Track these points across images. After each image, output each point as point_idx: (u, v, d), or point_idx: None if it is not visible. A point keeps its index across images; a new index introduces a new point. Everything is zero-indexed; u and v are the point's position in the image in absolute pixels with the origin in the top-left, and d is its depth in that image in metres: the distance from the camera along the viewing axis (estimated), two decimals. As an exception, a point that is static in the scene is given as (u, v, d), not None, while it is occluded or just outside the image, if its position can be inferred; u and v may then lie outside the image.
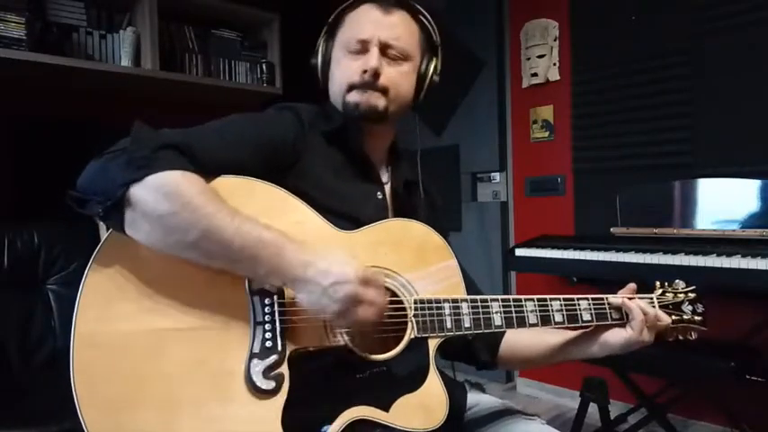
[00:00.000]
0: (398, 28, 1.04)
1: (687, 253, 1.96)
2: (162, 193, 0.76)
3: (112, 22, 2.54)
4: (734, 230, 2.07)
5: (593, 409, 2.06)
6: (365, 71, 1.00)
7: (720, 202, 2.16)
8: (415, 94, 1.09)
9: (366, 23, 1.04)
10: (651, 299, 1.07)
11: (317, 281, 0.80)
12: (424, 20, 1.09)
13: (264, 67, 2.98)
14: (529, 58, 3.00)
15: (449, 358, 1.13)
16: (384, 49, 1.02)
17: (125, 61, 2.50)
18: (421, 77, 1.08)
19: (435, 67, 1.10)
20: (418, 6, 1.09)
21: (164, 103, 2.75)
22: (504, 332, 1.12)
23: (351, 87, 1.02)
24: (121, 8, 2.57)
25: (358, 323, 0.84)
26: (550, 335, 1.10)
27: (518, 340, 1.13)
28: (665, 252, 2.01)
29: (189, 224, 0.77)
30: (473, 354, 1.12)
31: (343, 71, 1.04)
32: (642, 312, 1.01)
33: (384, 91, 1.02)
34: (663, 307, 1.06)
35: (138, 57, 2.54)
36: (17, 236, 1.77)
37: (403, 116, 1.10)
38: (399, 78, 1.04)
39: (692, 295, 1.09)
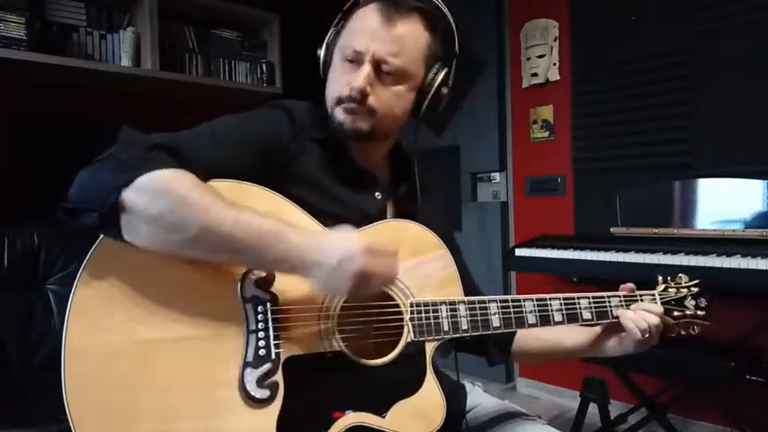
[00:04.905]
0: (401, 42, 0.94)
1: (687, 253, 1.97)
2: (154, 193, 0.75)
3: (112, 22, 2.54)
4: (734, 230, 2.07)
5: (593, 409, 2.06)
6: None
7: (720, 202, 2.16)
8: (414, 108, 1.01)
9: (363, 32, 0.95)
10: (653, 295, 1.07)
11: (325, 263, 0.79)
12: (444, 25, 1.00)
13: (264, 67, 2.98)
14: (529, 58, 2.99)
15: (461, 350, 1.11)
16: (378, 64, 0.94)
17: (125, 61, 2.50)
18: (424, 89, 0.99)
19: (445, 78, 1.00)
20: (441, 8, 1.00)
21: (164, 103, 2.75)
22: (516, 331, 1.11)
23: (338, 101, 0.96)
24: (121, 8, 2.57)
25: (374, 292, 0.84)
26: (563, 333, 1.09)
27: (529, 338, 1.12)
28: (665, 252, 2.02)
29: (186, 221, 0.75)
30: (486, 350, 1.12)
31: (334, 81, 0.98)
32: (640, 331, 0.99)
33: (371, 112, 0.95)
34: (665, 303, 1.06)
35: (138, 57, 2.54)
36: (17, 236, 1.76)
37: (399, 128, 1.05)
38: (391, 100, 0.96)
39: (694, 289, 1.08)
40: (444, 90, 1.01)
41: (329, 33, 1.02)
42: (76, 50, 2.39)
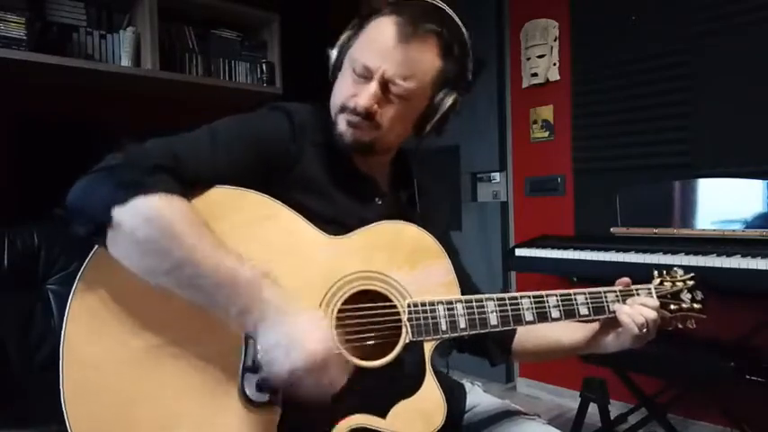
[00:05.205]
0: (412, 65, 0.92)
1: (687, 253, 1.97)
2: (144, 219, 0.75)
3: (112, 22, 2.54)
4: (734, 230, 2.07)
5: (593, 409, 2.06)
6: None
7: (720, 202, 2.16)
8: (418, 126, 1.00)
9: (376, 49, 0.92)
10: (649, 289, 1.07)
11: (283, 340, 0.76)
12: (460, 51, 0.98)
13: (264, 67, 2.98)
14: (529, 58, 2.99)
15: (462, 351, 1.12)
16: (387, 84, 0.92)
17: (125, 61, 2.50)
18: (429, 112, 0.98)
19: (453, 104, 0.99)
20: (461, 30, 0.98)
21: (164, 103, 2.74)
22: (516, 330, 1.11)
23: (342, 109, 0.95)
24: (121, 8, 2.57)
25: (300, 393, 0.78)
26: (561, 330, 1.10)
27: (529, 336, 1.12)
28: (665, 252, 2.02)
29: (166, 252, 0.75)
30: (487, 350, 1.12)
31: (341, 89, 0.96)
32: (637, 326, 0.99)
33: (375, 127, 0.94)
34: (661, 296, 1.06)
35: (138, 57, 2.54)
36: (17, 236, 1.76)
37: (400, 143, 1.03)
38: (395, 118, 0.95)
39: (690, 283, 1.08)
40: (451, 113, 1.00)
41: (344, 35, 1.00)
42: (76, 50, 2.39)
